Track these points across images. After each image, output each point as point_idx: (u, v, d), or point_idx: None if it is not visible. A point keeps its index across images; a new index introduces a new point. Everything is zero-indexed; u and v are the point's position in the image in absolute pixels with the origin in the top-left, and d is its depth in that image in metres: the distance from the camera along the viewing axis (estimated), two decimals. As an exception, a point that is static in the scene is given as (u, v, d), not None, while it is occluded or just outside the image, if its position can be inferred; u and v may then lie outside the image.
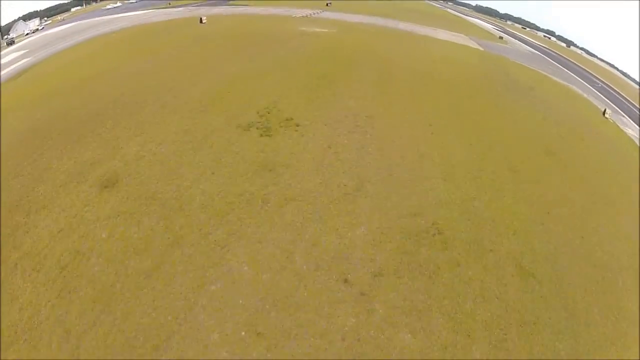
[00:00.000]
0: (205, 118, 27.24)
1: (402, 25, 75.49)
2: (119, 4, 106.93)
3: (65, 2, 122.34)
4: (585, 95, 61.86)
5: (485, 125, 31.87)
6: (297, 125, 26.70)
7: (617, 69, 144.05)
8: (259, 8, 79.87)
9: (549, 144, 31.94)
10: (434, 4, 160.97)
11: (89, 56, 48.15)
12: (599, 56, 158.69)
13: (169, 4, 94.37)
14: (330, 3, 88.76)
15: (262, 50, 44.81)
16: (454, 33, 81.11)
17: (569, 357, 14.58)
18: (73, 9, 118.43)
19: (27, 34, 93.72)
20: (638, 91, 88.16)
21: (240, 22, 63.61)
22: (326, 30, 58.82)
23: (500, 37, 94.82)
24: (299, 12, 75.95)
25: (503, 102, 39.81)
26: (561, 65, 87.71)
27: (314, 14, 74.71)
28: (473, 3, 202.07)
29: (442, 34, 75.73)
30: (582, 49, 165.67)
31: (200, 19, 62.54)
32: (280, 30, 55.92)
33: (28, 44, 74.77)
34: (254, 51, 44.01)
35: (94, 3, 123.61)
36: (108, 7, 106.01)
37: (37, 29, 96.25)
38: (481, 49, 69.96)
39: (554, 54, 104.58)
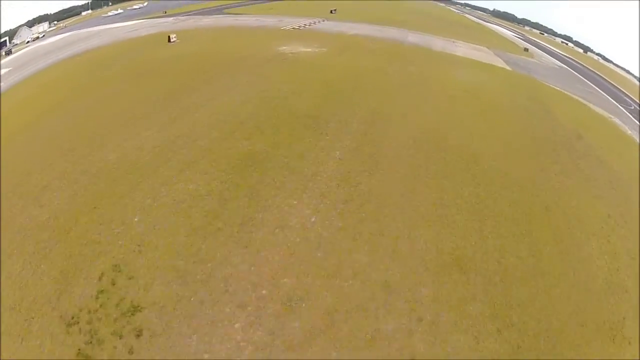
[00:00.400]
0: (39, 277, 12.66)
1: (414, 37, 56.61)
2: (120, 10, 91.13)
3: (80, 4, 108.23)
4: (629, 132, 42.43)
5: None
6: (138, 336, 10.57)
7: (632, 74, 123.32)
8: (252, 18, 62.00)
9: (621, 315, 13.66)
10: (452, 8, 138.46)
11: (20, 104, 32.47)
12: (614, 61, 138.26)
13: (165, 12, 77.90)
14: (334, 10, 70.14)
15: (203, 94, 27.47)
16: (475, 45, 61.51)
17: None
18: (84, 13, 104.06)
19: (28, 41, 79.77)
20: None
21: (213, 40, 45.94)
22: (313, 49, 40.73)
23: (526, 49, 74.40)
24: (295, 22, 58.06)
25: (553, 199, 19.68)
26: (589, 79, 67.27)
27: (311, 24, 56.65)
28: (478, 3, 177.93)
29: (462, 48, 56.47)
30: (598, 54, 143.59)
31: (169, 37, 45.16)
32: (253, 53, 38.05)
33: (11, 61, 60.51)
34: (189, 98, 26.56)
35: (104, 6, 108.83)
36: (109, 14, 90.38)
37: (38, 37, 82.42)
38: (508, 67, 50.58)
39: (578, 65, 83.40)
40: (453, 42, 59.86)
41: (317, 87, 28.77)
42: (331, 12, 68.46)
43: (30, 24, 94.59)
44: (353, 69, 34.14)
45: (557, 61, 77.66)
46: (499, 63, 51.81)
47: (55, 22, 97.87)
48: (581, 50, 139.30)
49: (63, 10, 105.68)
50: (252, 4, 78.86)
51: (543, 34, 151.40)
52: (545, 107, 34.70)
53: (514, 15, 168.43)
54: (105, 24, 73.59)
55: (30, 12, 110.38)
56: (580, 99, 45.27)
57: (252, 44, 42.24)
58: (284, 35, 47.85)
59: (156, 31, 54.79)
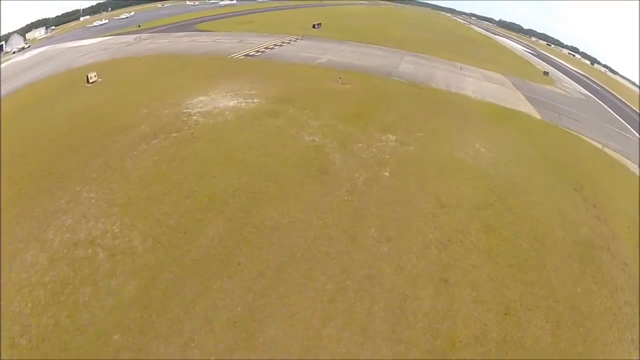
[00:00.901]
0: None
1: (409, 64, 36.41)
2: (105, 21, 73.31)
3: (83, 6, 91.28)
4: None
5: None
6: None
7: (633, 82, 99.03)
8: (210, 39, 41.54)
9: None
10: (458, 19, 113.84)
11: None
12: (620, 73, 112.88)
13: (139, 26, 59.64)
14: (318, 25, 50.25)
15: None
16: (488, 73, 40.78)
17: None
18: (82, 18, 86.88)
19: (14, 52, 63.45)
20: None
21: (134, 80, 26.83)
22: (240, 102, 21.49)
23: (545, 73, 52.78)
24: (260, 42, 38.34)
25: None
26: (615, 110, 45.90)
27: (276, 46, 36.66)
28: (477, 4, 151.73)
29: (473, 79, 35.79)
30: (605, 66, 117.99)
31: (87, 78, 27.32)
32: (149, 114, 19.67)
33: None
34: None
35: (103, 12, 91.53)
36: (95, 24, 72.45)
37: (24, 47, 66.16)
38: (536, 113, 30.44)
39: (598, 88, 61.13)
40: (460, 68, 39.46)
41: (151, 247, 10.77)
42: (314, 26, 48.39)
43: (28, 28, 78.20)
44: (266, 162, 15.45)
45: (579, 86, 55.38)
46: (523, 104, 31.52)
47: (53, 28, 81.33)
48: (588, 62, 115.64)
49: (65, 13, 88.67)
50: (228, 18, 59.29)
51: (550, 45, 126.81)
52: (603, 223, 15.57)
53: (520, 25, 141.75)
54: (80, 39, 56.28)
55: (31, 14, 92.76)
56: (624, 162, 25.21)
57: (168, 90, 23.62)
58: (224, 68, 28.83)
59: (104, 57, 37.48)
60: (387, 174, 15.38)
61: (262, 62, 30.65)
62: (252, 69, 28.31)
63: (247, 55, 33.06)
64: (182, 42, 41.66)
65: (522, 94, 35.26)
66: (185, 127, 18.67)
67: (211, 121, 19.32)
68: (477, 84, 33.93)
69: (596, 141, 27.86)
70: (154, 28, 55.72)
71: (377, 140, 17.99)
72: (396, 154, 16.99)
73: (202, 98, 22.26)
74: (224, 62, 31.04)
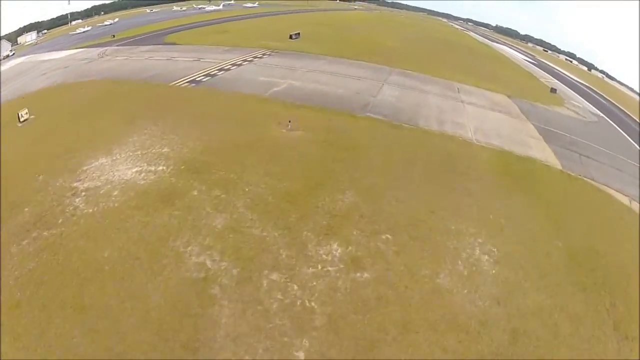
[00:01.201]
0: None
1: (393, 88, 27.36)
2: (87, 28, 65.10)
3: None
4: None
5: None
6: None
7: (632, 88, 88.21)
8: (165, 56, 32.54)
9: None
10: (454, 24, 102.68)
11: None
12: (617, 79, 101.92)
13: (113, 36, 51.43)
14: (297, 35, 41.10)
15: None
16: (491, 95, 31.98)
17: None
18: (73, 22, 78.93)
19: (1, 60, 55.96)
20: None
21: (65, 118, 19.13)
22: (141, 172, 13.35)
23: (553, 90, 43.45)
24: (219, 59, 29.15)
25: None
26: (625, 130, 36.67)
27: (239, 63, 27.93)
28: (466, 10, 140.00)
29: (473, 107, 26.25)
30: (601, 71, 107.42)
31: (18, 116, 18.75)
32: (40, 190, 12.21)
33: None
34: None
35: (96, 15, 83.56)
36: (78, 31, 64.24)
37: (8, 55, 58.63)
38: (555, 160, 21.55)
39: (605, 102, 51.34)
40: (458, 90, 30.66)
41: None
42: (291, 37, 39.48)
43: (20, 32, 70.55)
44: (120, 316, 7.41)
45: (588, 104, 45.92)
46: (536, 143, 22.64)
47: (45, 31, 73.85)
48: (585, 68, 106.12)
49: (60, 16, 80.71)
50: (204, 26, 50.33)
51: (547, 51, 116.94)
52: None
53: (516, 31, 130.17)
54: (54, 51, 48.64)
55: (31, 14, 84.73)
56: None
57: (79, 141, 15.82)
58: (156, 103, 20.21)
59: (57, 79, 29.65)
60: (302, 356, 7.33)
61: (205, 92, 22.27)
62: (185, 105, 20.05)
63: (192, 80, 24.63)
64: (138, 60, 33.44)
65: (533, 125, 26.54)
66: (60, 220, 11.22)
67: (90, 210, 11.59)
68: (479, 115, 25.26)
69: (621, 193, 19.77)
70: (126, 39, 47.59)
71: (310, 260, 9.85)
72: (334, 296, 8.87)
73: (103, 160, 14.30)
74: (162, 92, 22.75)
